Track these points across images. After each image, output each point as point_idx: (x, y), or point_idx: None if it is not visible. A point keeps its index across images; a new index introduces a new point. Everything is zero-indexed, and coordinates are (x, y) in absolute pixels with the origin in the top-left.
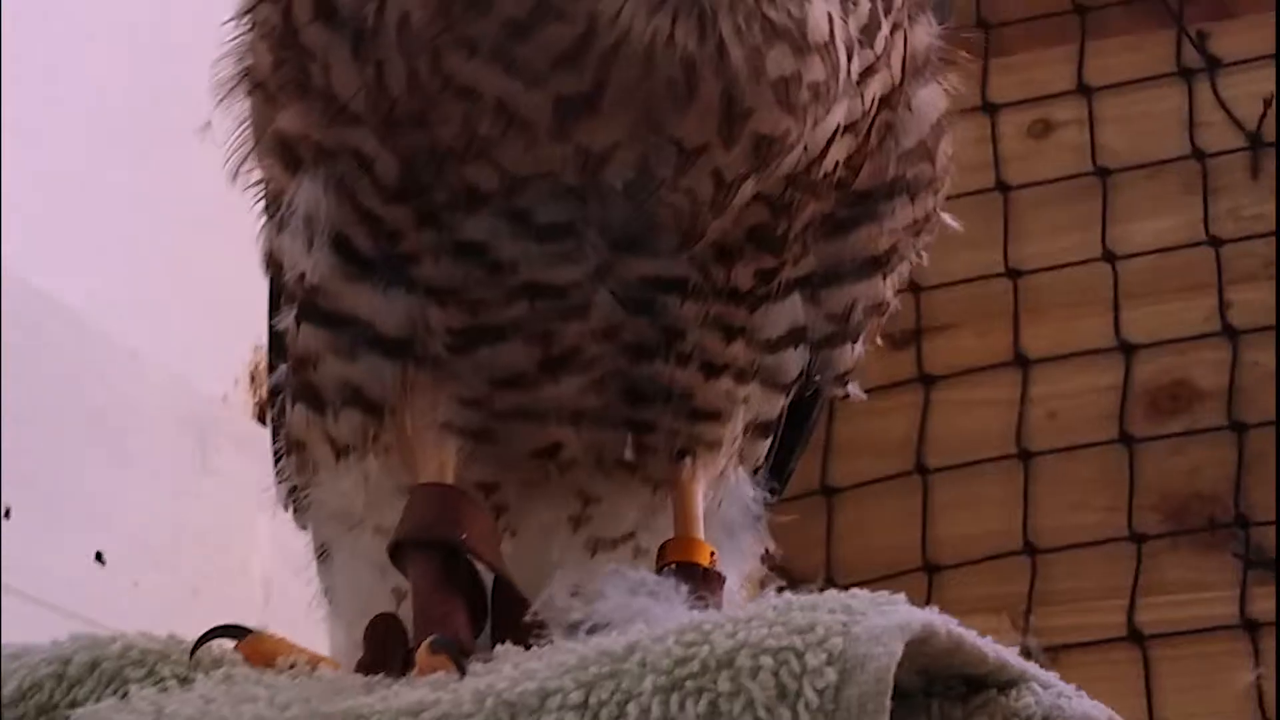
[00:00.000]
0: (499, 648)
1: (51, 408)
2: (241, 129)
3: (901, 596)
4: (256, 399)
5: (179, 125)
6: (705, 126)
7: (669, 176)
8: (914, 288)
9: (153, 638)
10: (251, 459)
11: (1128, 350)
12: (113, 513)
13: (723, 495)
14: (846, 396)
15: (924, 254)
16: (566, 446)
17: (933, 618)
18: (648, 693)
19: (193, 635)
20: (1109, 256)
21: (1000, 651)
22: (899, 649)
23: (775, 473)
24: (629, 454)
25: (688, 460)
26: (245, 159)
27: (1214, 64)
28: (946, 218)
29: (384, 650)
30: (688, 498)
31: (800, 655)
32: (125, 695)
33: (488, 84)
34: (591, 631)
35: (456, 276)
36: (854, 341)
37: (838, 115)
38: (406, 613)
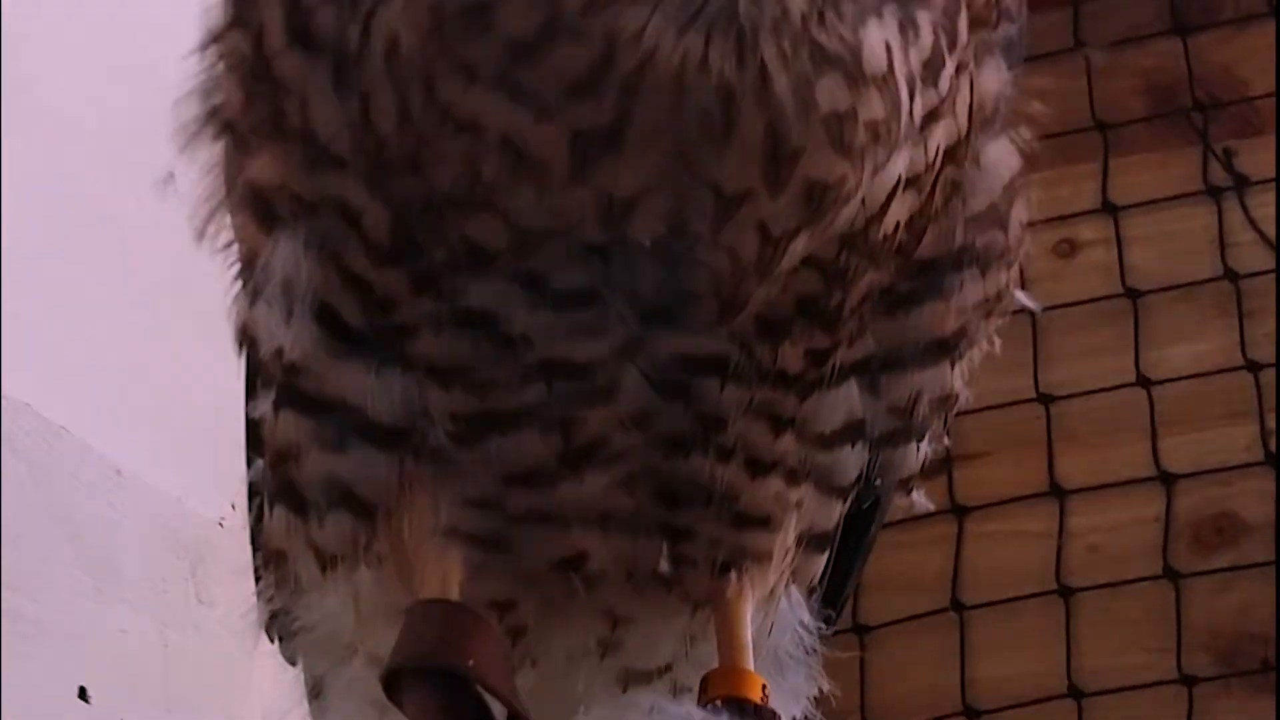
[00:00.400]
0: None
1: (31, 528)
2: (209, 179)
3: None
4: None
5: (174, 228)
6: (747, 169)
7: (705, 230)
8: None
9: None
10: (250, 588)
11: (1167, 480)
12: (98, 645)
13: (773, 620)
14: (875, 511)
15: (996, 340)
16: (593, 557)
17: None
18: None
19: None
20: (1144, 382)
21: None
22: None
23: (829, 599)
24: (665, 566)
25: (732, 575)
26: (212, 215)
27: (1242, 182)
28: (1022, 296)
29: None
30: (734, 620)
31: None
32: None
33: (491, 117)
34: None
35: (461, 353)
36: (919, 440)
37: (899, 164)
38: None
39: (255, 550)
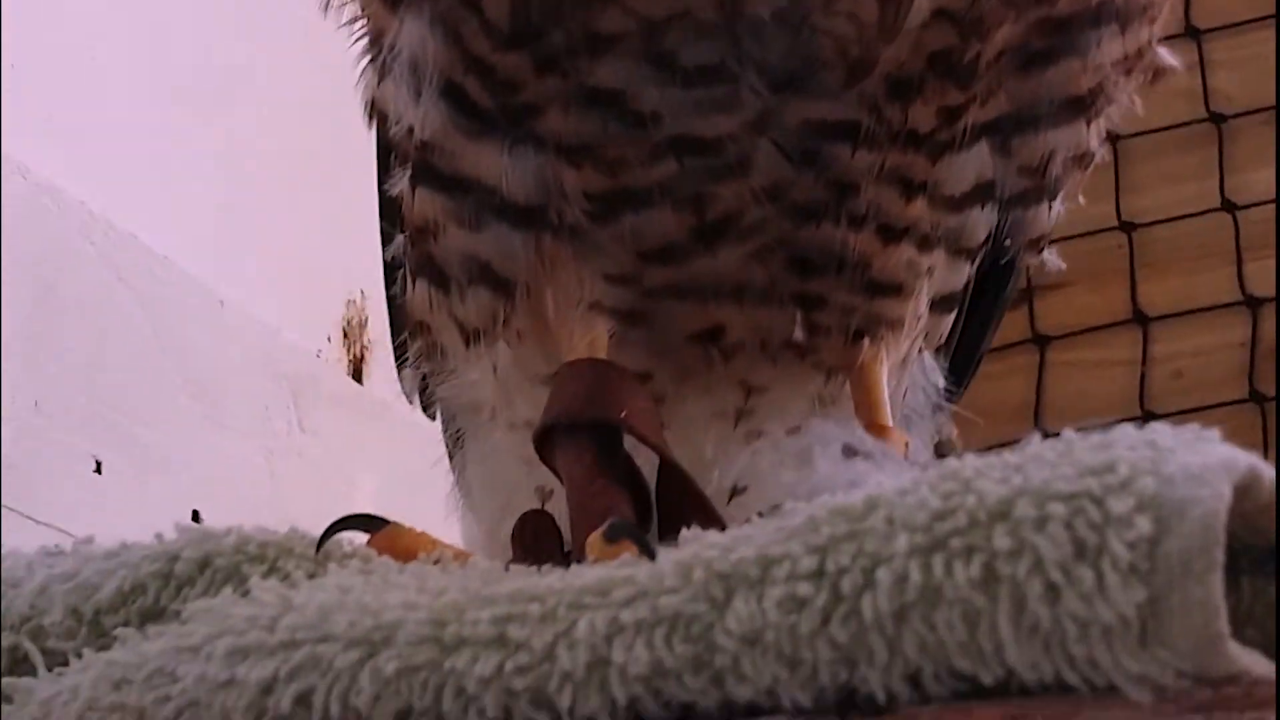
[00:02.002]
0: (685, 532)
1: (139, 357)
2: None
3: (1213, 431)
4: (351, 356)
5: (275, 67)
6: None
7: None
8: None
9: (271, 532)
10: (348, 418)
11: (1253, 304)
12: (208, 470)
13: (906, 382)
14: (1008, 275)
15: (1136, 98)
16: (730, 328)
17: (1257, 461)
18: (901, 555)
19: None
20: (1229, 206)
21: None
22: (1227, 491)
23: (957, 368)
24: (799, 334)
25: (866, 342)
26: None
27: None
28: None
29: (538, 552)
30: (872, 382)
31: (1100, 501)
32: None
33: None
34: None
35: (591, 131)
36: (1051, 200)
37: None
38: (557, 510)
39: (395, 323)
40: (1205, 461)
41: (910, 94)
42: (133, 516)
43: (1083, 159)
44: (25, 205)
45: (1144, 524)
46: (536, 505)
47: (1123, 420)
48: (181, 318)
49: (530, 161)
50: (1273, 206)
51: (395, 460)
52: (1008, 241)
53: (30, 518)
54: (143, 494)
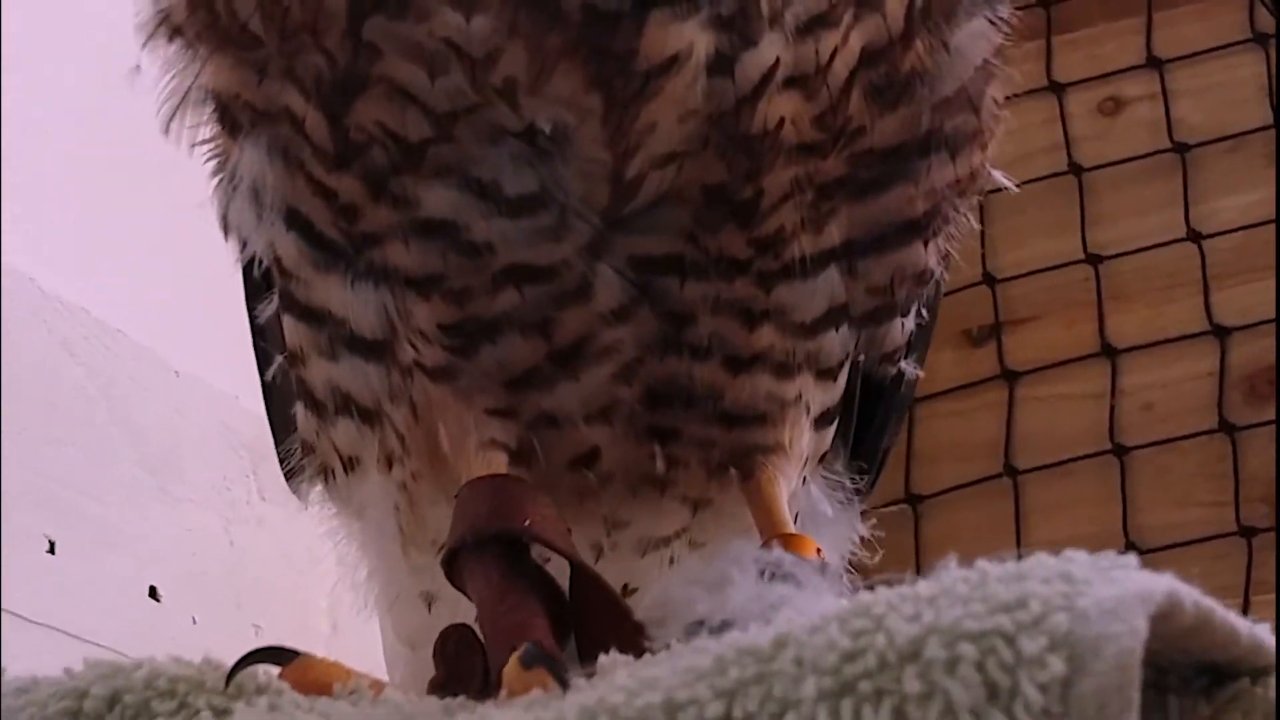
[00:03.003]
0: (603, 658)
1: (93, 431)
2: (170, 79)
3: (1130, 558)
4: None
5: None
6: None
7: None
8: (990, 279)
9: (184, 663)
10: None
11: (1221, 334)
12: (165, 544)
13: (796, 509)
14: (900, 375)
15: (969, 215)
16: (605, 453)
17: (1175, 585)
18: (810, 700)
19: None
20: (1194, 236)
21: (1254, 630)
22: (1143, 625)
23: (863, 469)
24: (660, 466)
25: (732, 474)
26: (176, 112)
27: None
28: (1000, 176)
29: (459, 668)
30: (770, 496)
31: (1011, 640)
32: None
33: None
34: (719, 631)
35: (432, 262)
36: (904, 315)
37: (768, 53)
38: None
39: (280, 439)
40: (1120, 594)
41: (710, 225)
42: (88, 596)
43: (923, 276)
44: None
45: (1057, 664)
46: (422, 610)
47: (1094, 454)
48: (135, 390)
49: (371, 295)
50: (1239, 235)
51: (337, 544)
52: (862, 358)
53: None
54: (98, 572)
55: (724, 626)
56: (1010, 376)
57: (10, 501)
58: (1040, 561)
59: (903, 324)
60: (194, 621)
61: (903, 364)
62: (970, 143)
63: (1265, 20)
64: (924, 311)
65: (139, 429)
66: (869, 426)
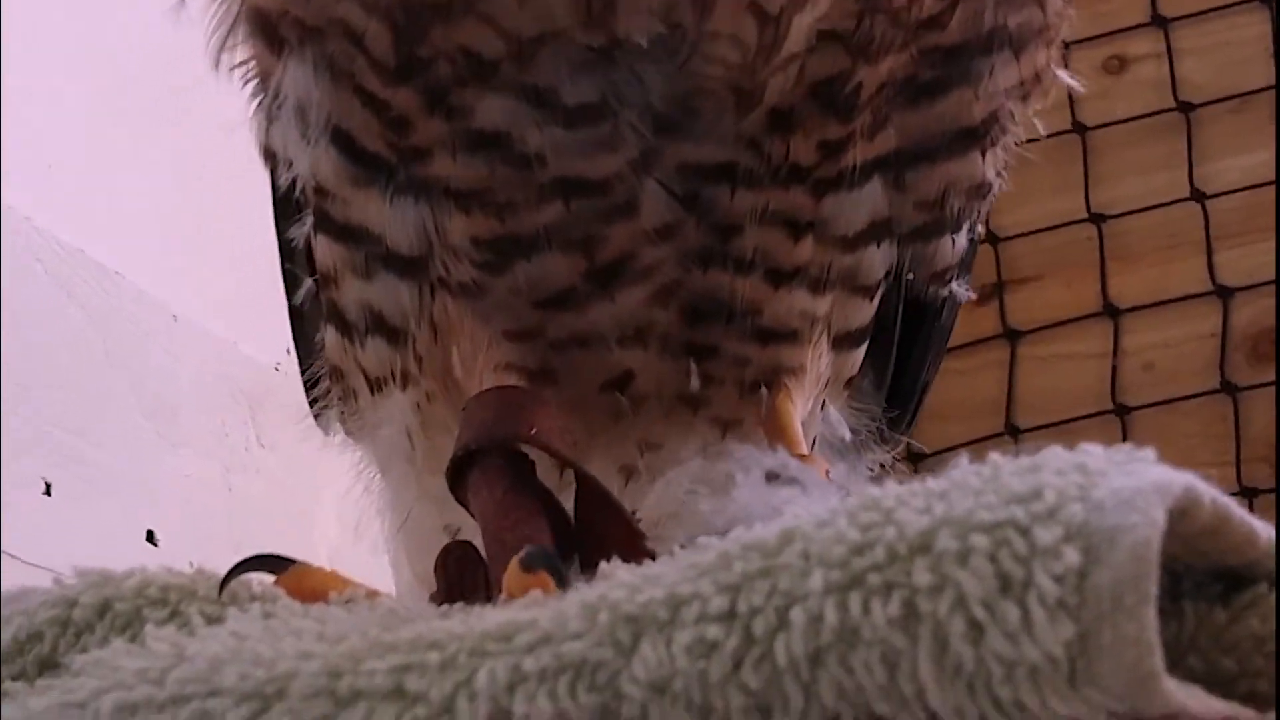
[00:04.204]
0: (604, 565)
1: (91, 374)
2: (217, 5)
3: (1148, 450)
4: None
5: (220, 81)
6: None
7: (694, 19)
8: (992, 239)
9: (176, 573)
10: (310, 431)
11: (1224, 294)
12: (163, 489)
13: (811, 432)
14: (943, 301)
15: (1032, 121)
16: (639, 375)
17: (1194, 480)
18: (817, 593)
19: None
20: (1198, 196)
21: (1273, 534)
22: (1161, 517)
23: (900, 401)
24: (695, 384)
25: (763, 393)
26: (225, 41)
27: None
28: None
29: (460, 582)
30: (785, 419)
31: (1025, 531)
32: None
33: None
34: (724, 533)
35: (478, 174)
36: (954, 233)
37: None
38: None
39: (306, 365)
40: (1137, 485)
41: (791, 127)
42: (85, 539)
43: (979, 188)
44: None
45: (1072, 555)
46: (443, 543)
47: (1096, 414)
48: (133, 334)
49: (411, 210)
50: (1243, 195)
51: (357, 473)
52: (909, 276)
53: None
54: (95, 516)
55: (728, 529)
56: (1012, 336)
57: (8, 444)
58: (1055, 453)
59: (954, 241)
60: (191, 566)
61: (954, 285)
62: (1035, 40)
63: None
64: (977, 227)
65: (137, 373)
66: (909, 357)
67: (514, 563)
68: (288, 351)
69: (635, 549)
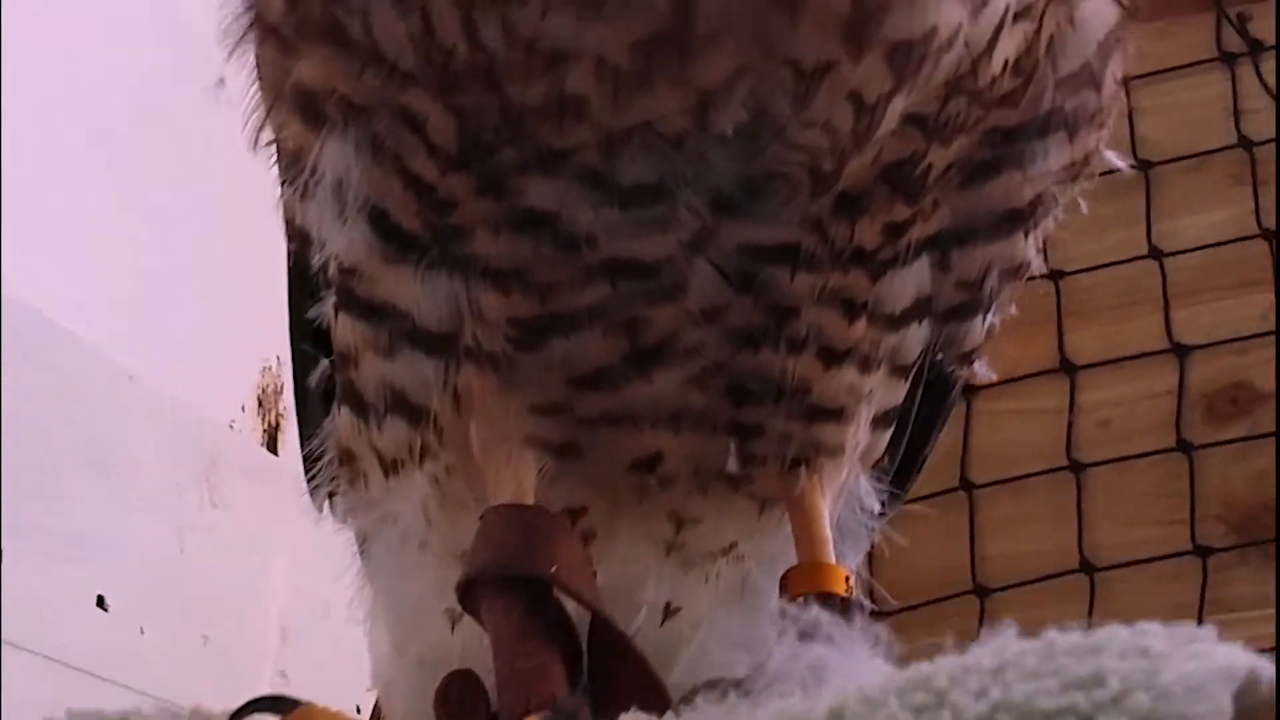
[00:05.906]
0: (624, 717)
1: (43, 436)
2: (255, 86)
3: (1208, 629)
4: (265, 425)
5: (181, 136)
6: (823, 38)
7: (788, 110)
8: None
9: (169, 711)
10: (263, 491)
11: (1181, 352)
12: (114, 553)
13: (840, 504)
14: (973, 379)
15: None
16: (667, 457)
17: (1254, 660)
18: None
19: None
20: (1156, 254)
21: None
22: (1228, 704)
23: (898, 479)
24: (733, 465)
25: (803, 470)
26: (264, 122)
27: (1257, 47)
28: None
29: (461, 713)
30: (813, 515)
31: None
32: None
33: (571, 40)
34: (749, 691)
35: (520, 255)
36: (986, 313)
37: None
38: (480, 664)
39: (307, 443)
40: (1204, 670)
41: (859, 210)
42: (37, 605)
43: (1018, 270)
44: None
45: None
46: (444, 628)
47: (1051, 470)
48: (87, 395)
49: (444, 285)
50: (1200, 254)
51: (310, 535)
52: (939, 356)
53: None
54: (48, 581)
55: (754, 685)
56: (968, 390)
57: None
58: (1113, 633)
59: (984, 320)
60: (142, 631)
61: (976, 366)
62: (1089, 124)
63: (1232, 40)
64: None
65: (91, 434)
66: (919, 435)
67: None
68: (243, 408)
69: (655, 700)
